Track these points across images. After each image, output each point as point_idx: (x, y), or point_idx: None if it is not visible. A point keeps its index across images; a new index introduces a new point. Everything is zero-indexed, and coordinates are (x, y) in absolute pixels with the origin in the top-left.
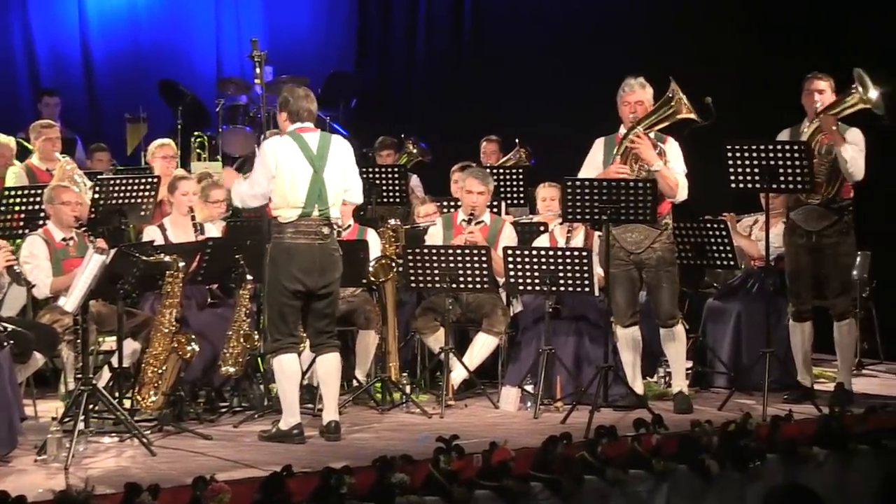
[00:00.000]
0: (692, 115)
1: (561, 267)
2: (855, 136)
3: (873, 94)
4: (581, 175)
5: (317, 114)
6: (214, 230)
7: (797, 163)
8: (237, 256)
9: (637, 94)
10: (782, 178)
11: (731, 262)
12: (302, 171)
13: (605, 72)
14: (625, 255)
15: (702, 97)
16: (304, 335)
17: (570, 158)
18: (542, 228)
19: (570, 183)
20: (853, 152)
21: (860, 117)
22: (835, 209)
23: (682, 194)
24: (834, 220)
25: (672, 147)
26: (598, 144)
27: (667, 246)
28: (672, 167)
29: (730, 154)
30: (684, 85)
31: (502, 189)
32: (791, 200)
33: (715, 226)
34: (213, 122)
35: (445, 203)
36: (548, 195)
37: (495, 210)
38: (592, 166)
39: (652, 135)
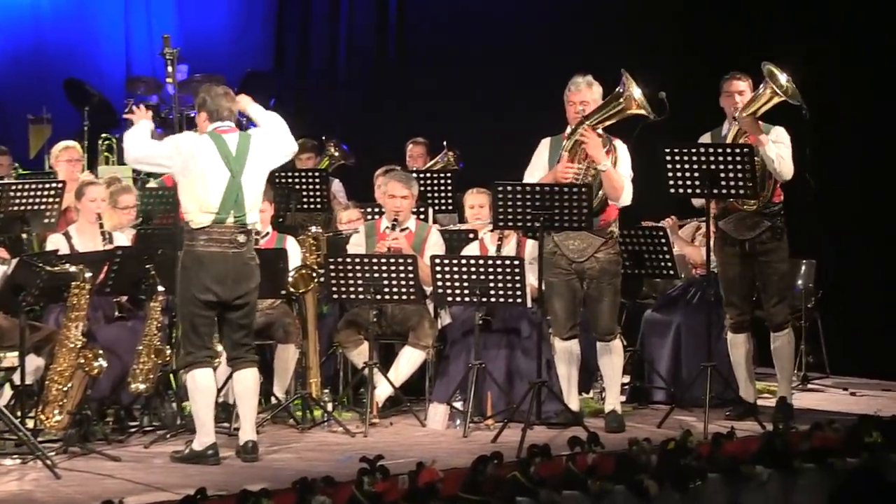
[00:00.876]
0: (642, 111)
1: (491, 277)
2: (780, 134)
3: (783, 84)
4: (527, 177)
5: (237, 114)
6: (124, 238)
7: (739, 167)
8: (148, 266)
9: (583, 93)
10: (724, 184)
11: (671, 272)
12: (217, 174)
13: (539, 72)
14: (566, 264)
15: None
16: (220, 349)
17: (502, 162)
18: (471, 236)
19: (500, 188)
20: (778, 150)
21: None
22: (766, 215)
23: (627, 198)
24: (766, 226)
25: (620, 149)
26: (544, 144)
27: (611, 256)
28: (619, 170)
29: (668, 158)
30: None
31: (429, 194)
32: (719, 209)
33: (654, 233)
34: (121, 123)
35: (369, 209)
36: (477, 201)
37: (422, 216)
38: (538, 167)
39: (602, 131)
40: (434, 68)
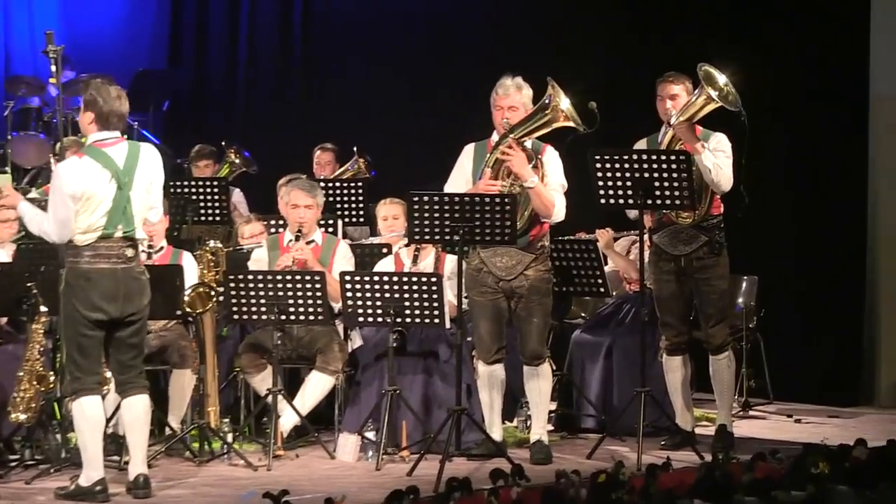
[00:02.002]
0: (571, 123)
1: (407, 295)
2: (720, 141)
3: (721, 85)
4: (448, 187)
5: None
6: (3, 254)
7: (675, 175)
8: (29, 285)
9: (511, 97)
10: (658, 194)
11: (601, 289)
12: (104, 192)
13: (461, 73)
14: (493, 282)
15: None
16: (109, 375)
17: (418, 170)
18: (384, 250)
19: (416, 198)
20: (716, 159)
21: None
22: (704, 228)
23: (559, 214)
24: (703, 240)
25: (550, 158)
26: (468, 152)
27: (541, 273)
28: (549, 182)
29: (598, 166)
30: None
31: (338, 205)
32: (653, 222)
33: (584, 247)
34: (0, 127)
35: (273, 222)
36: (391, 212)
37: (330, 229)
38: (460, 177)
39: (529, 143)
40: (343, 69)
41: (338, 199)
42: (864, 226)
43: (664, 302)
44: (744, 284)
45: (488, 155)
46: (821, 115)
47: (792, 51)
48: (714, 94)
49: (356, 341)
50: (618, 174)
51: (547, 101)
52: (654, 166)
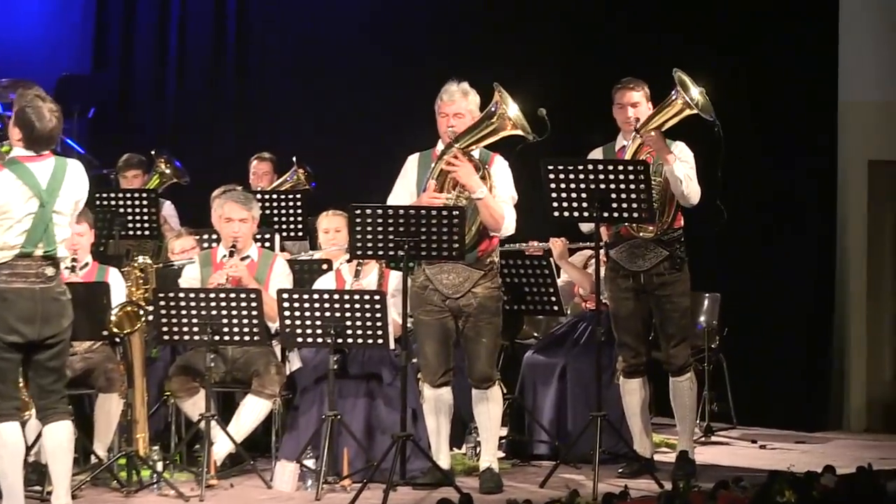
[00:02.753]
0: (520, 132)
1: (349, 314)
2: (683, 150)
3: (696, 94)
4: (391, 199)
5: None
6: None
7: (633, 186)
8: None
9: (457, 103)
10: (616, 206)
11: (555, 307)
12: (23, 209)
13: (402, 80)
14: (439, 300)
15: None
16: (29, 400)
17: (360, 181)
18: (325, 266)
19: (358, 211)
20: (686, 170)
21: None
22: (664, 243)
23: (509, 227)
24: (664, 255)
25: (499, 168)
26: (412, 162)
27: (491, 290)
28: (498, 194)
29: (551, 176)
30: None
31: (276, 218)
32: (610, 236)
33: (536, 263)
34: None
35: (206, 236)
36: (332, 225)
37: (266, 244)
38: (405, 189)
39: (476, 153)
40: (281, 76)
41: (275, 211)
42: (834, 240)
43: (622, 321)
44: (706, 302)
45: (433, 165)
46: (787, 124)
47: (756, 58)
48: (692, 100)
49: (294, 363)
50: (572, 185)
51: (494, 109)
52: (612, 177)
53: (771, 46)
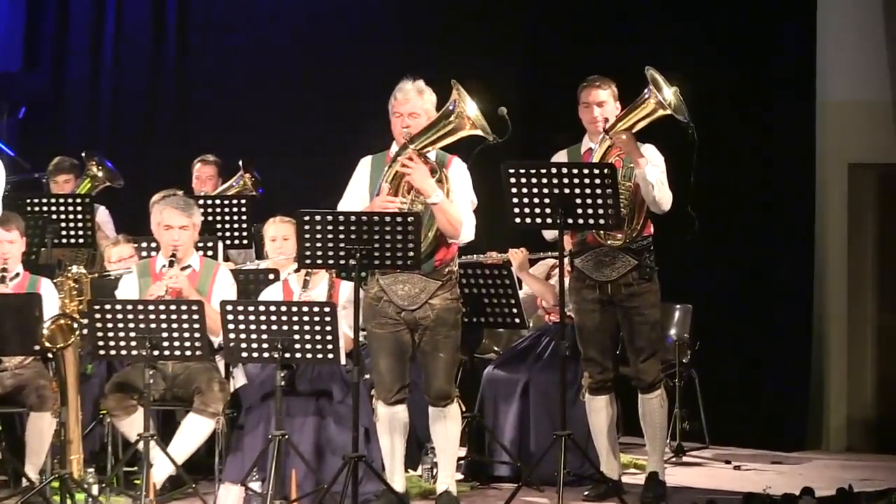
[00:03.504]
0: (479, 132)
1: (297, 327)
2: (652, 154)
3: (669, 94)
4: (343, 205)
5: None
6: None
7: (599, 191)
8: None
9: (412, 102)
10: (581, 212)
11: (516, 320)
12: None
13: (354, 79)
14: (394, 312)
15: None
16: None
17: (309, 186)
18: (271, 276)
19: (307, 217)
20: (658, 174)
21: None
22: (633, 251)
23: (468, 234)
24: (632, 265)
25: (457, 171)
26: (364, 166)
27: (449, 302)
28: (456, 198)
29: (513, 180)
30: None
31: (219, 225)
32: (574, 244)
33: (496, 272)
34: None
35: (144, 245)
36: (280, 233)
37: (209, 252)
38: (357, 194)
39: (432, 155)
40: (226, 73)
41: (219, 218)
42: (812, 248)
43: (587, 334)
44: (676, 314)
45: (387, 168)
46: (762, 123)
47: (733, 58)
48: (665, 100)
49: (239, 379)
50: (534, 190)
51: (451, 108)
52: (577, 181)
53: (748, 44)
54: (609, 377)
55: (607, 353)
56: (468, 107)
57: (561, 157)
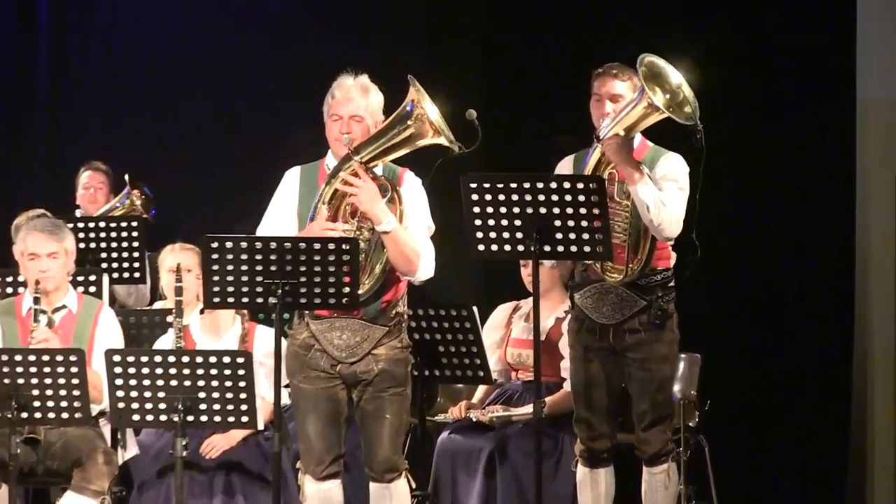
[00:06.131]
0: (441, 141)
1: (202, 383)
2: (672, 166)
3: (673, 86)
4: (263, 229)
5: None
6: None
7: (584, 210)
8: None
9: (354, 102)
10: (561, 237)
11: (480, 373)
12: None
13: (279, 71)
14: (327, 365)
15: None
16: None
17: (217, 206)
18: (169, 319)
19: (215, 244)
20: (660, 191)
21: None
22: (642, 289)
23: (426, 269)
24: (640, 306)
25: (411, 189)
26: (291, 179)
27: (396, 353)
28: (411, 224)
29: (475, 197)
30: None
31: (104, 253)
32: (578, 274)
33: (454, 314)
34: None
35: (10, 279)
36: (183, 263)
37: (91, 289)
38: (280, 215)
39: (380, 169)
40: (113, 75)
41: (102, 245)
42: (852, 277)
43: (583, 388)
44: (682, 365)
45: (323, 186)
46: (795, 129)
47: (760, 48)
48: (658, 99)
49: (130, 449)
50: (502, 209)
51: (409, 109)
52: (555, 198)
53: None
54: (605, 446)
55: (605, 415)
56: (429, 109)
57: (566, 164)
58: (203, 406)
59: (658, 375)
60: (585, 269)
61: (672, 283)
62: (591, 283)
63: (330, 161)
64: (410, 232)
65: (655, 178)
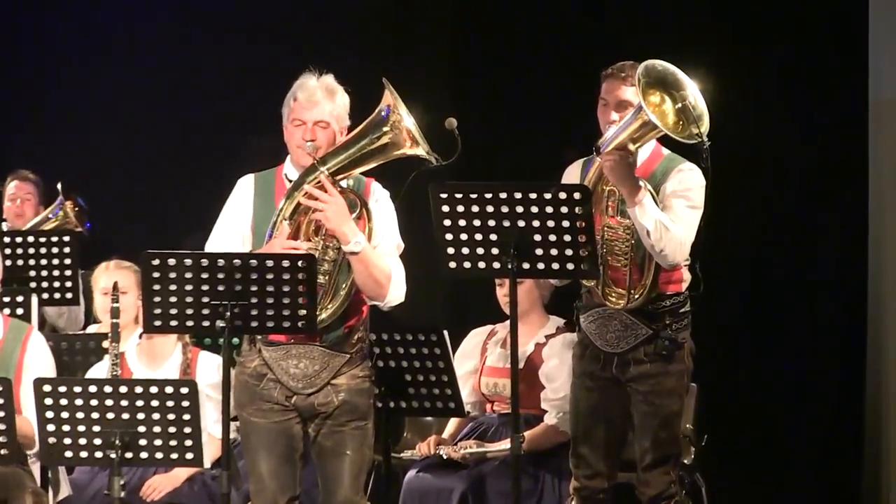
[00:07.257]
0: (418, 152)
1: (142, 416)
2: (685, 180)
3: (686, 95)
4: (212, 243)
5: None
6: None
7: (566, 223)
8: None
9: (320, 106)
10: (541, 253)
11: (451, 405)
12: None
13: (233, 70)
14: (282, 397)
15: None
16: None
17: (159, 220)
18: (105, 345)
19: (156, 261)
20: (673, 210)
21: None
22: (650, 315)
23: (397, 293)
24: (645, 334)
25: (380, 203)
26: (244, 188)
27: (358, 382)
28: (380, 243)
29: (446, 208)
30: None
31: (33, 271)
32: (583, 295)
33: (421, 339)
34: None
35: None
36: (120, 282)
37: (18, 311)
38: (233, 228)
39: (348, 182)
40: (39, 74)
41: (31, 262)
42: (864, 298)
43: (580, 419)
44: None
45: (284, 200)
46: (806, 137)
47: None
48: (658, 114)
49: (62, 490)
50: (475, 222)
51: (385, 115)
52: (535, 210)
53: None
54: (602, 485)
55: (604, 452)
56: (405, 116)
57: (573, 171)
58: (143, 441)
59: (663, 411)
60: (589, 289)
61: (684, 309)
62: (595, 306)
63: (289, 170)
64: (380, 251)
65: (665, 193)
